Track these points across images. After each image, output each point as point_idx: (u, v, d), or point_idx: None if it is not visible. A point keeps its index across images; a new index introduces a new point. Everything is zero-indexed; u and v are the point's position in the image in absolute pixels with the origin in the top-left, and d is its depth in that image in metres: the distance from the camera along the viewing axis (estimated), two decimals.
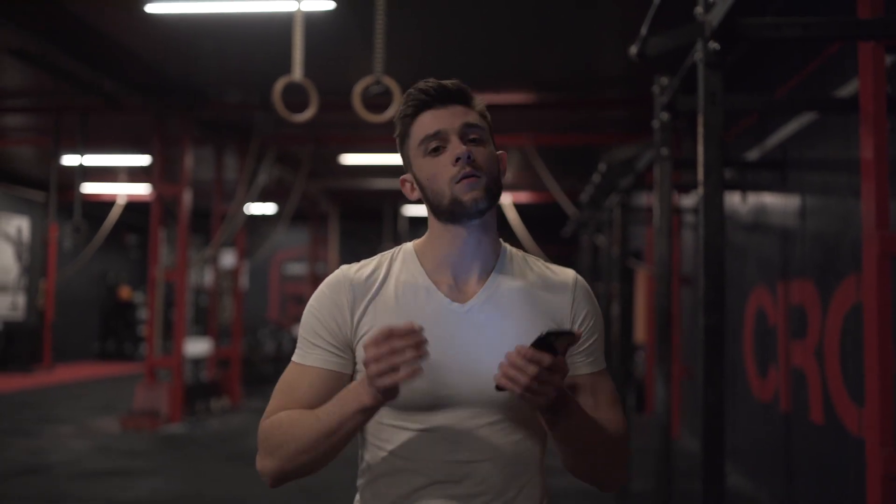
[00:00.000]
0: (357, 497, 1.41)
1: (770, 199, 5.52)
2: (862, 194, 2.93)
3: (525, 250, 1.49)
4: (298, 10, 4.09)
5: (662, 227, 3.61)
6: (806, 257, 4.73)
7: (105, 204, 13.65)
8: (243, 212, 9.89)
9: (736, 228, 6.42)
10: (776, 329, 5.23)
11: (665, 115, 3.54)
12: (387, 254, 1.43)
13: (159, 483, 6.00)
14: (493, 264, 1.40)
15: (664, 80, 3.52)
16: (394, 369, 1.13)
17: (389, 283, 1.38)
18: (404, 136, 1.37)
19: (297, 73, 4.12)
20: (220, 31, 6.49)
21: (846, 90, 3.91)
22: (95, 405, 10.19)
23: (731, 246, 6.59)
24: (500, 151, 1.41)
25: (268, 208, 15.11)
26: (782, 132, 4.96)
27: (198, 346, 9.63)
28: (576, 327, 1.38)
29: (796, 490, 4.85)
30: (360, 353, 1.34)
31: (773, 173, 5.25)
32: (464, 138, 1.32)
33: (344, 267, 1.41)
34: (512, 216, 12.89)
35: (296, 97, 4.98)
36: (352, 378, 1.37)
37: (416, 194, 1.39)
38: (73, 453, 7.04)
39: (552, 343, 1.14)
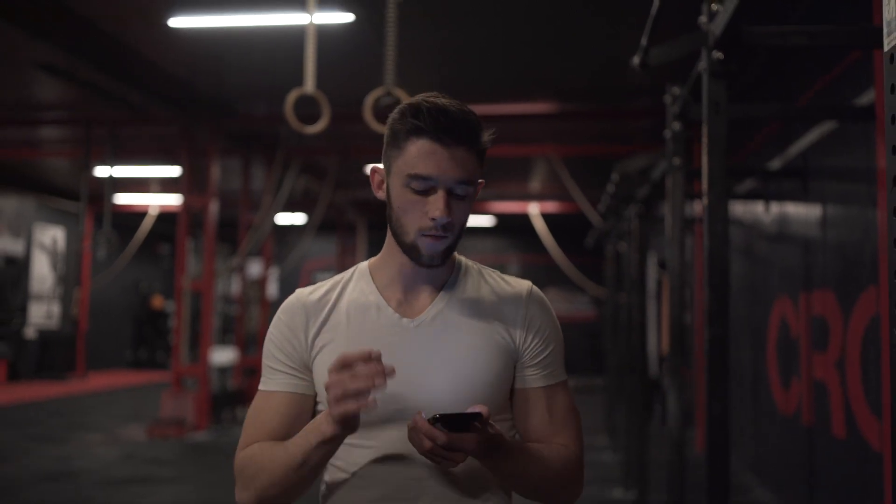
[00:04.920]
0: None
1: (792, 209, 5.44)
2: (878, 204, 2.89)
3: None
4: (311, 24, 4.13)
5: (674, 237, 3.57)
6: (827, 268, 4.65)
7: (138, 214, 13.87)
8: (269, 221, 9.98)
9: (759, 238, 6.34)
10: (798, 340, 5.15)
11: (677, 125, 3.50)
12: (343, 274, 1.44)
13: (182, 491, 6.06)
14: (445, 279, 1.39)
15: (676, 90, 3.48)
16: (349, 396, 1.15)
17: (342, 303, 1.38)
18: (396, 144, 1.29)
19: (310, 85, 4.16)
20: (245, 44, 6.58)
21: (866, 98, 3.85)
22: (125, 413, 10.33)
23: (755, 256, 6.50)
24: (479, 181, 1.37)
25: (297, 218, 15.23)
26: (803, 141, 4.89)
27: (224, 355, 9.71)
28: (528, 339, 1.37)
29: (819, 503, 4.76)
30: (316, 375, 1.36)
31: (795, 182, 5.18)
32: (450, 193, 1.28)
33: (298, 291, 1.42)
34: (539, 226, 12.86)
35: (314, 109, 5.03)
36: (315, 400, 1.38)
37: (382, 195, 1.35)
38: (99, 460, 7.14)
39: (457, 421, 1.15)
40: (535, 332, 1.38)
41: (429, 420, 1.15)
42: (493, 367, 1.34)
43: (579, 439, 1.39)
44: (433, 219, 1.26)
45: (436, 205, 1.26)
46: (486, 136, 1.32)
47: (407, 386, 1.29)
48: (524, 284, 1.42)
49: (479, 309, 1.37)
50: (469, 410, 1.17)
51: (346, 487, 1.33)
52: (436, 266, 1.33)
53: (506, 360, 1.35)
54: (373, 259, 1.43)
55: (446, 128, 1.25)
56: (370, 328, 1.35)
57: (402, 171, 1.28)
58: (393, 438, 1.29)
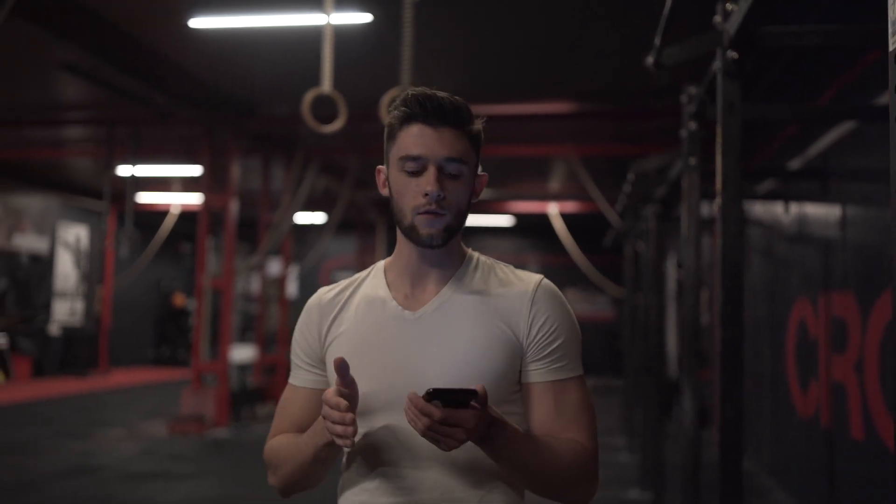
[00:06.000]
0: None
1: (811, 210, 5.40)
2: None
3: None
4: (328, 24, 4.16)
5: (690, 237, 3.56)
6: (847, 269, 4.62)
7: (160, 213, 14.00)
8: (289, 220, 10.04)
9: (779, 239, 6.30)
10: (817, 342, 5.12)
11: (693, 125, 3.50)
12: (362, 272, 1.50)
13: (201, 486, 6.12)
14: (452, 273, 1.41)
15: (692, 90, 3.48)
16: (336, 434, 1.25)
17: (354, 299, 1.44)
18: (390, 136, 1.37)
19: (327, 85, 4.19)
20: (265, 44, 6.63)
21: (885, 98, 3.82)
22: (146, 409, 10.44)
23: (775, 257, 6.46)
24: (481, 174, 1.41)
25: (317, 217, 15.31)
26: (823, 141, 4.86)
27: (243, 353, 9.79)
28: (532, 333, 1.36)
29: None
30: (328, 368, 1.43)
31: (814, 183, 5.15)
32: (441, 171, 1.32)
33: (320, 290, 1.49)
34: (559, 226, 12.84)
35: (332, 109, 5.07)
36: None
37: (387, 192, 1.40)
38: (120, 456, 7.22)
39: (452, 398, 1.15)
40: (539, 326, 1.36)
41: (423, 396, 1.15)
42: (492, 360, 1.34)
43: (592, 436, 1.36)
44: (426, 194, 1.31)
45: (427, 180, 1.31)
46: (477, 124, 1.37)
47: (405, 377, 1.32)
48: (534, 278, 1.42)
49: (483, 302, 1.38)
50: (465, 387, 1.17)
51: (356, 476, 1.37)
52: (436, 247, 1.35)
53: (507, 353, 1.35)
54: (388, 258, 1.48)
55: (433, 110, 1.32)
56: (373, 321, 1.40)
57: (396, 157, 1.35)
58: (389, 426, 1.32)
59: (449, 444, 1.18)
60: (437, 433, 1.16)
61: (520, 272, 1.44)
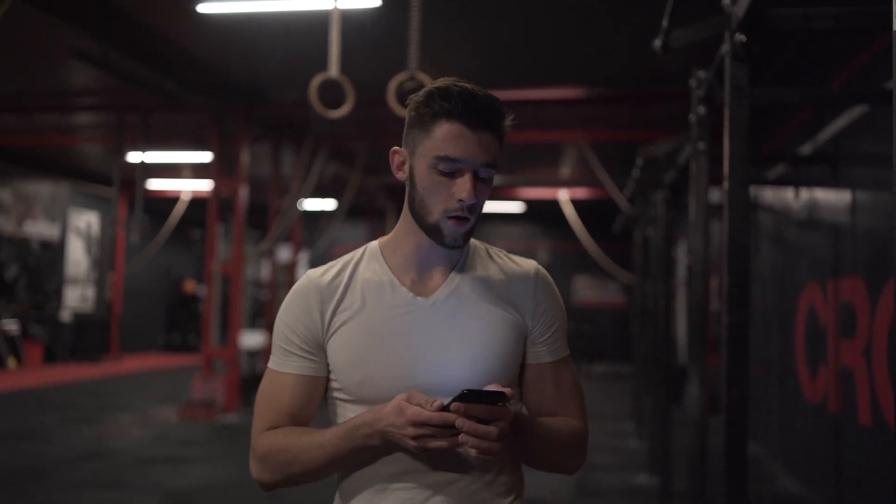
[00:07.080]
0: (336, 494, 1.43)
1: (822, 195, 5.37)
2: None
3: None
4: (335, 9, 4.15)
5: (698, 222, 3.55)
6: (856, 255, 4.60)
7: (170, 200, 14.04)
8: (298, 207, 10.06)
9: (789, 225, 6.27)
10: (826, 328, 5.10)
11: (701, 109, 3.48)
12: (352, 254, 1.45)
13: (211, 471, 6.16)
14: (457, 259, 1.42)
15: (701, 74, 3.46)
16: (437, 445, 1.22)
17: (355, 283, 1.40)
18: (421, 125, 1.31)
19: (334, 69, 4.19)
20: (275, 30, 6.63)
21: None
22: (157, 395, 10.51)
23: (785, 243, 6.44)
24: None
25: (326, 204, 15.33)
26: (833, 126, 4.83)
27: (253, 339, 9.83)
28: (537, 316, 1.42)
29: (845, 493, 4.73)
30: (332, 354, 1.38)
31: (825, 168, 5.12)
32: (476, 175, 1.30)
33: (309, 272, 1.43)
34: (569, 212, 12.81)
35: (341, 94, 5.06)
36: (329, 378, 1.40)
37: (403, 176, 1.37)
38: (131, 441, 7.28)
39: (483, 398, 1.17)
40: (543, 310, 1.43)
41: (458, 396, 1.17)
42: (505, 343, 1.38)
43: (584, 413, 1.46)
44: (460, 200, 1.29)
45: (463, 186, 1.29)
46: (508, 122, 1.35)
47: (424, 363, 1.33)
48: (531, 264, 1.47)
49: (490, 287, 1.41)
50: (491, 389, 1.19)
51: (378, 463, 1.36)
52: (458, 247, 1.35)
53: (516, 335, 1.40)
54: (383, 239, 1.45)
55: (475, 112, 1.28)
56: (385, 307, 1.37)
57: (428, 152, 1.30)
58: None
59: (491, 447, 1.20)
60: (477, 435, 1.19)
61: (515, 257, 1.48)
